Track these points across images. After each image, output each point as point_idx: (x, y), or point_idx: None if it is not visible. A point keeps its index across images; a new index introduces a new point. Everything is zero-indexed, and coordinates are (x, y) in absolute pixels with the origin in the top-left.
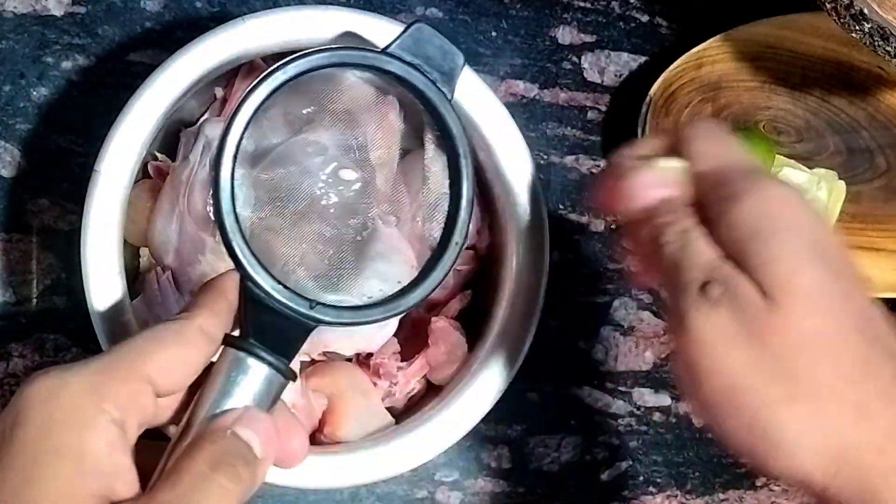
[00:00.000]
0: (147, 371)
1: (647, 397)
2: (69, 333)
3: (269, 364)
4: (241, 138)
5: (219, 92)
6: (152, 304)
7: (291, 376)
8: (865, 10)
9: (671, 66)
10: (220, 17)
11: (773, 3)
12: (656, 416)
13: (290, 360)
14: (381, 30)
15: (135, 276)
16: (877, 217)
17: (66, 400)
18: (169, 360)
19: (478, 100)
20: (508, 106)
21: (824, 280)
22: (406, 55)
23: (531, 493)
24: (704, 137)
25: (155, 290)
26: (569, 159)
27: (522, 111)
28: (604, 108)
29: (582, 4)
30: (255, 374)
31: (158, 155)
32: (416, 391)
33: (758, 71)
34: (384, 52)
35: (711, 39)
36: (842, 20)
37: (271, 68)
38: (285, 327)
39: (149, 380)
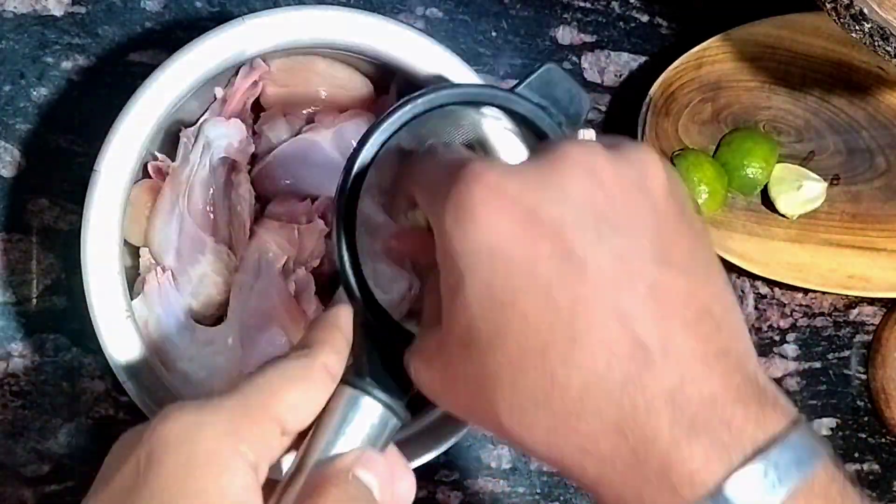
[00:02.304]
0: (277, 411)
1: None
2: (69, 333)
3: (385, 405)
4: (365, 173)
5: (219, 92)
6: (153, 304)
7: (406, 418)
8: (865, 10)
9: (671, 66)
10: (220, 18)
11: (773, 3)
12: None
13: (405, 400)
14: (379, 30)
15: (135, 276)
16: (877, 217)
17: (205, 443)
18: (297, 399)
19: None
20: None
21: None
22: (535, 96)
23: (531, 493)
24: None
25: (155, 290)
26: None
27: None
28: (604, 108)
29: (582, 4)
30: (370, 414)
31: (158, 155)
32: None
33: (758, 71)
34: (513, 91)
35: (711, 39)
36: (842, 20)
37: (399, 103)
38: (401, 365)
39: (278, 420)
